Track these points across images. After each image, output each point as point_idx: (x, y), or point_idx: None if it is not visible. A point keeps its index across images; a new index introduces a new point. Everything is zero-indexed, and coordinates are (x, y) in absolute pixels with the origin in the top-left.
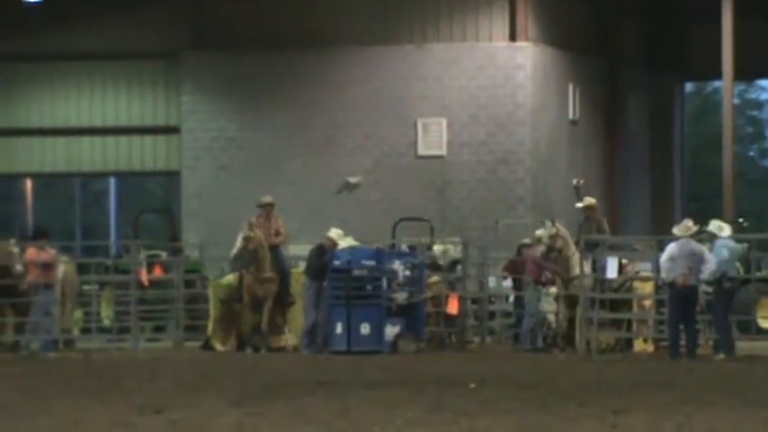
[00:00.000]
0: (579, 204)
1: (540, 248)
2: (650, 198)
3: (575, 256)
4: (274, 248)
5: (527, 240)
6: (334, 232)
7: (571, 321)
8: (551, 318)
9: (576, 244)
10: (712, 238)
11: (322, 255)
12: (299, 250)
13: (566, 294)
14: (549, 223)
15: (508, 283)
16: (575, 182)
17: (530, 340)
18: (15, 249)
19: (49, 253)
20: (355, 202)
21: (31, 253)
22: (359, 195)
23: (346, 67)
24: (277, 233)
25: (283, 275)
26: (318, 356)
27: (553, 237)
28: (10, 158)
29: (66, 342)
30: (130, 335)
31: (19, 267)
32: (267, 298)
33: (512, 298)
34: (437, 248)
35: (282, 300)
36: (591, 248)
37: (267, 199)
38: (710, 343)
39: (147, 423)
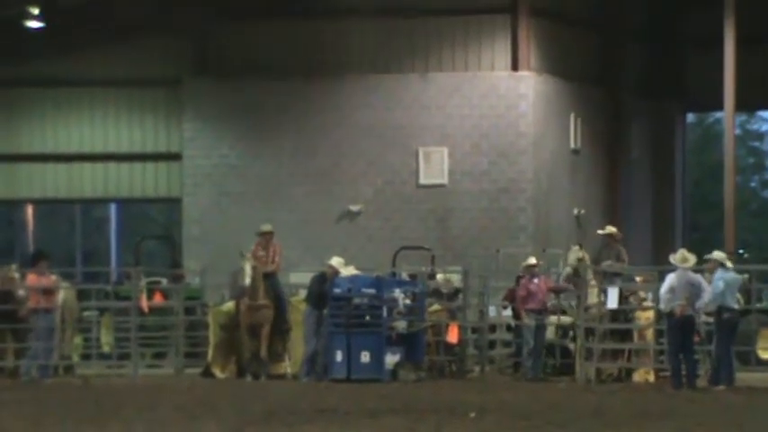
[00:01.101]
0: (601, 231)
1: (567, 269)
2: (651, 228)
3: (591, 282)
4: (270, 276)
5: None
6: (336, 260)
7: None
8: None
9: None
10: (713, 269)
11: (323, 283)
12: (299, 278)
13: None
14: (576, 248)
15: (508, 312)
16: (576, 211)
17: (529, 369)
18: (17, 275)
19: (50, 278)
20: (356, 230)
21: (32, 278)
22: (360, 223)
23: (349, 95)
24: (272, 261)
25: (279, 302)
26: (318, 384)
27: (581, 260)
28: (12, 184)
29: (66, 368)
30: (130, 361)
31: (21, 292)
32: (263, 325)
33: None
34: (440, 277)
35: (279, 326)
36: (611, 277)
37: (267, 227)
38: (706, 373)
39: None
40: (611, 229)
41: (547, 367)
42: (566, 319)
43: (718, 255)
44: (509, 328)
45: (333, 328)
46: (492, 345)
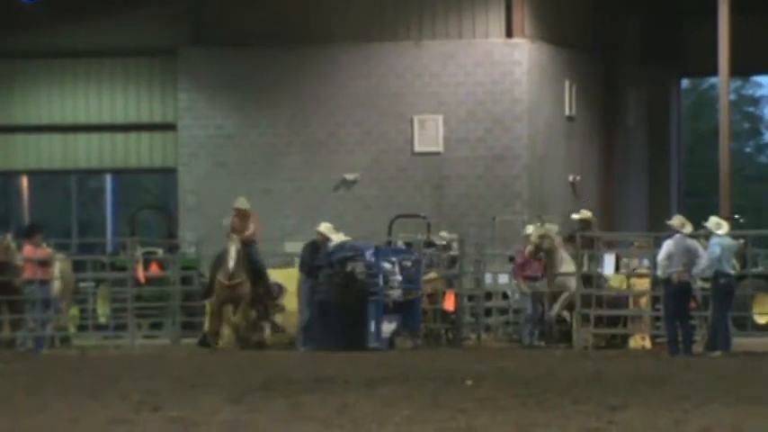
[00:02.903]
0: (576, 216)
1: (528, 248)
2: (647, 194)
3: (560, 254)
4: (247, 246)
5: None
6: (324, 227)
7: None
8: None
9: (569, 240)
10: (709, 234)
11: (315, 251)
12: (296, 247)
13: (551, 291)
14: (539, 223)
15: (505, 279)
16: (571, 178)
17: (526, 336)
18: (12, 245)
19: (45, 250)
20: (352, 199)
21: (28, 250)
22: (356, 192)
23: (343, 64)
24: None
25: (257, 273)
26: (315, 354)
27: (542, 237)
28: (6, 155)
29: (63, 339)
30: (127, 332)
31: (19, 261)
32: (239, 302)
33: (516, 295)
34: (443, 235)
35: (267, 297)
36: (587, 246)
37: (243, 205)
38: (703, 339)
39: (144, 420)
40: (585, 213)
41: (545, 335)
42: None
43: (712, 221)
44: (505, 295)
45: (326, 296)
46: (488, 312)
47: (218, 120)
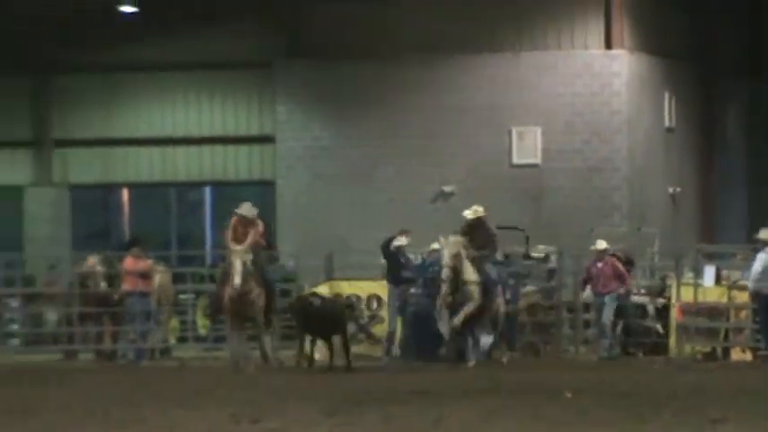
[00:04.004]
0: (468, 213)
1: (445, 271)
2: (747, 207)
3: (466, 265)
4: (253, 258)
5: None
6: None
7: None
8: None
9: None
10: None
11: (398, 260)
12: None
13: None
14: (453, 239)
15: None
16: (671, 190)
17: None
18: (99, 268)
19: (146, 262)
20: (449, 211)
21: (128, 262)
22: (453, 204)
23: (441, 75)
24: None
25: (268, 288)
26: (411, 365)
27: (454, 257)
28: (107, 168)
29: (163, 351)
30: (226, 344)
31: (103, 285)
32: (255, 315)
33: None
34: (541, 247)
35: (271, 309)
36: (482, 260)
37: (248, 213)
38: None
39: None
40: (477, 210)
41: (630, 347)
42: (642, 299)
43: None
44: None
45: (421, 308)
46: (587, 324)
47: (315, 132)
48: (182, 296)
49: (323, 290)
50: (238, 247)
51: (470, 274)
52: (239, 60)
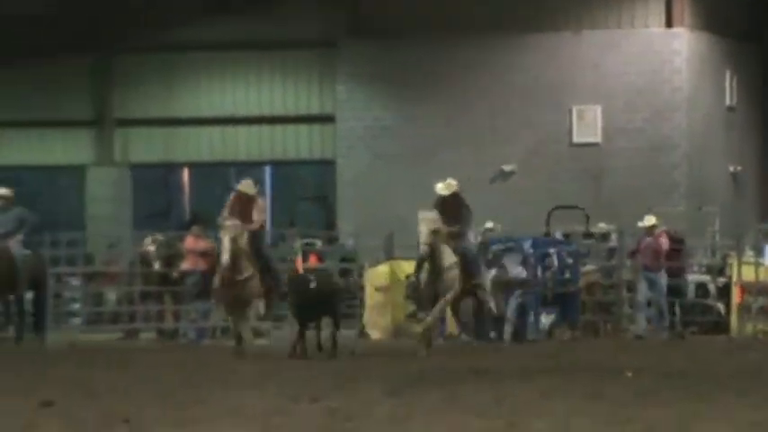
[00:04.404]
0: (440, 187)
1: (423, 248)
2: None
3: (445, 250)
4: (252, 236)
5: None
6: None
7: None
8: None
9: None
10: None
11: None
12: None
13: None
14: (430, 215)
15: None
16: (732, 169)
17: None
18: (152, 248)
19: (206, 241)
20: (509, 190)
21: (189, 241)
22: (513, 183)
23: (502, 54)
24: (250, 219)
25: (266, 267)
26: (469, 345)
27: (434, 232)
28: (168, 148)
29: (224, 330)
30: (286, 322)
31: (157, 266)
32: (249, 301)
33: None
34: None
35: (276, 293)
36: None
37: (248, 189)
38: None
39: (303, 411)
40: (451, 183)
41: (689, 325)
42: (703, 278)
43: None
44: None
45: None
46: (648, 304)
47: (375, 111)
48: None
49: (383, 270)
50: (228, 223)
51: (449, 257)
52: (300, 40)
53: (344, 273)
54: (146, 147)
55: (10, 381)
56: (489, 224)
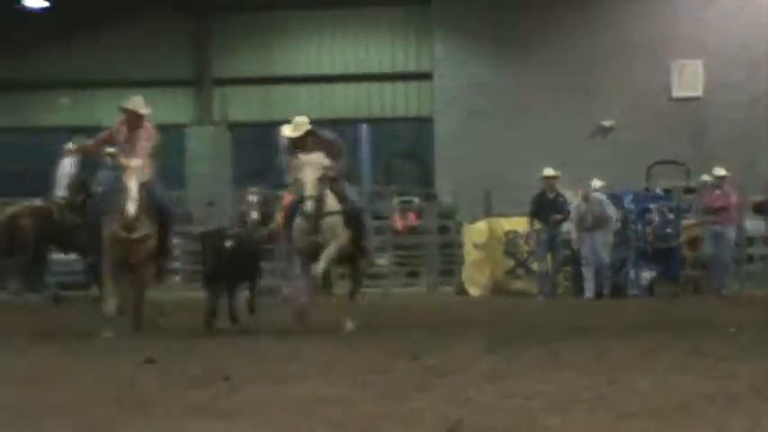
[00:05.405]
0: (286, 129)
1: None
2: None
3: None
4: (145, 183)
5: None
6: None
7: None
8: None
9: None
10: None
11: (542, 196)
12: None
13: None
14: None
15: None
16: None
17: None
18: (252, 198)
19: None
20: (608, 146)
21: (287, 198)
22: (612, 139)
23: (601, 9)
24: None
25: (163, 221)
26: (568, 302)
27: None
28: (266, 106)
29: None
30: (385, 279)
31: (254, 215)
32: (140, 264)
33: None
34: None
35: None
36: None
37: (136, 107)
38: None
39: (401, 368)
40: (298, 122)
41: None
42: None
43: None
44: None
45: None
46: (750, 259)
47: (471, 69)
48: None
49: (481, 226)
50: (133, 162)
51: (333, 204)
52: None
53: (443, 229)
54: (244, 106)
55: (114, 339)
56: (597, 182)
